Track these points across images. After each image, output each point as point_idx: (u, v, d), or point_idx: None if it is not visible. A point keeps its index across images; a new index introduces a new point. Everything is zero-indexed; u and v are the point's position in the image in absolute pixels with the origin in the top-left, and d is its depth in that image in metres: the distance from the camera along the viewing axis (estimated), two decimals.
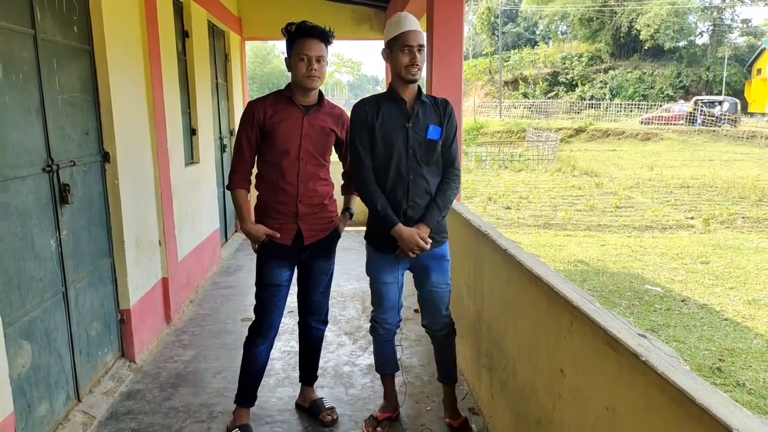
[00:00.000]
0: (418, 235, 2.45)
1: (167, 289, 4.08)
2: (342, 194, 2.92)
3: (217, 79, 6.28)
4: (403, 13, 2.46)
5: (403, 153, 2.48)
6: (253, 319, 2.76)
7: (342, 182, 2.93)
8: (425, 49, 2.46)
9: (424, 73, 2.66)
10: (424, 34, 2.48)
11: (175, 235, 4.31)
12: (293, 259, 2.73)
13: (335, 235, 2.81)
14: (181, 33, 4.94)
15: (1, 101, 2.30)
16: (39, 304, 2.56)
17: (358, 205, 2.86)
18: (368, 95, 2.69)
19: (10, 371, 2.23)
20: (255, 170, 2.73)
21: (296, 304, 2.94)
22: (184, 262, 4.60)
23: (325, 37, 2.53)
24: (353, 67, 38.42)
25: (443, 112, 2.53)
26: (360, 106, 2.54)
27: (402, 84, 2.49)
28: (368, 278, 2.73)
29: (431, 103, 2.54)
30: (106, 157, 3.26)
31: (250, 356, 2.75)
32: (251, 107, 2.62)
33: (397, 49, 2.42)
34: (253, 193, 2.74)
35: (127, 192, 3.42)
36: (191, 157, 5.07)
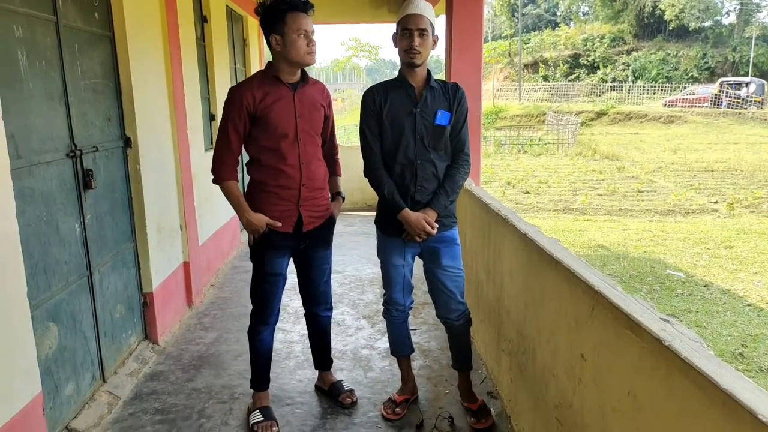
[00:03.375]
0: (424, 219, 2.46)
1: (188, 273, 4.14)
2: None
3: (235, 64, 6.29)
4: None
5: (411, 138, 2.49)
6: (252, 307, 2.73)
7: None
8: (429, 33, 2.43)
9: (441, 57, 2.64)
10: (430, 19, 2.43)
11: (196, 220, 4.36)
12: (292, 247, 2.67)
13: (331, 222, 2.75)
14: (200, 18, 4.94)
15: (25, 88, 2.33)
16: (64, 287, 2.61)
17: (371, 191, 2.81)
18: (380, 81, 2.68)
19: (37, 352, 2.29)
20: (246, 157, 2.63)
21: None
22: (205, 247, 4.66)
23: (311, 9, 2.45)
24: (371, 51, 38.20)
25: (453, 96, 2.52)
26: (368, 93, 2.56)
27: (408, 69, 2.48)
28: None
29: (441, 88, 2.53)
30: (127, 142, 3.30)
31: (256, 343, 2.74)
32: (237, 93, 2.45)
33: (399, 32, 2.44)
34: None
35: (148, 177, 3.46)
36: (211, 143, 5.11)
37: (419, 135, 2.48)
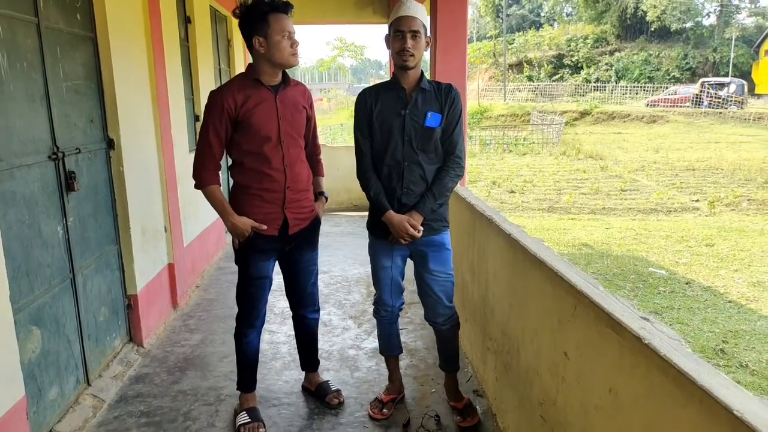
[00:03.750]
0: (407, 222, 2.45)
1: (173, 274, 4.12)
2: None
3: (220, 64, 6.26)
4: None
5: (399, 140, 2.48)
6: (238, 310, 2.72)
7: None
8: (422, 35, 2.42)
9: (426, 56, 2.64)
10: (422, 20, 2.42)
11: (180, 221, 4.33)
12: (278, 250, 2.66)
13: (316, 224, 2.74)
14: (183, 19, 4.92)
15: (5, 90, 2.31)
16: (47, 290, 2.59)
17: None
18: (375, 82, 2.68)
19: (20, 356, 2.27)
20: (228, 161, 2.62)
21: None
22: (190, 248, 4.63)
23: (292, 10, 2.44)
24: (356, 51, 38.23)
25: (445, 98, 2.49)
26: (361, 95, 2.57)
27: (400, 71, 2.48)
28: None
29: (434, 90, 2.51)
30: (110, 144, 3.28)
31: (243, 346, 2.73)
32: (218, 97, 2.42)
33: (391, 34, 2.43)
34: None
35: (132, 179, 3.44)
36: (195, 144, 5.07)
37: (407, 137, 2.47)
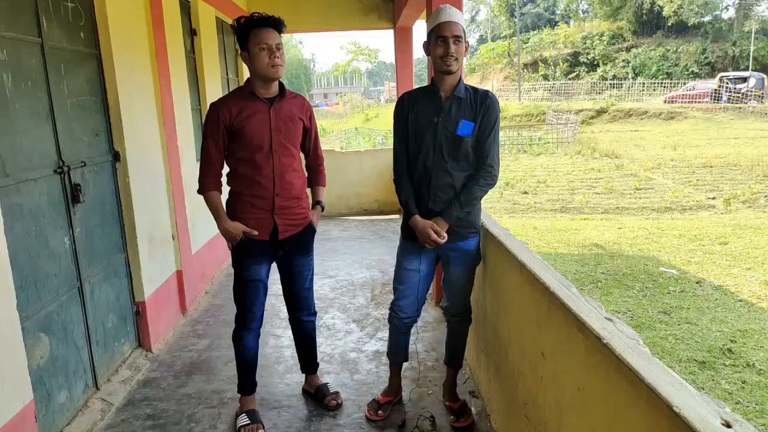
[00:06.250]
0: (431, 228, 2.49)
1: (182, 281, 4.23)
2: (309, 186, 2.88)
3: (228, 74, 6.40)
4: (444, 6, 2.47)
5: (431, 147, 2.51)
6: (236, 312, 2.81)
7: (306, 175, 2.88)
8: (463, 39, 2.44)
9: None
10: (462, 25, 2.44)
11: (188, 229, 4.45)
12: (270, 255, 2.75)
13: (310, 230, 2.82)
14: (189, 31, 5.04)
15: (11, 108, 2.43)
16: (55, 298, 2.70)
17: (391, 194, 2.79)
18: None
19: (29, 362, 2.38)
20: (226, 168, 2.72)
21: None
22: (199, 255, 4.75)
23: (278, 25, 2.52)
24: (370, 55, 38.42)
25: (480, 106, 2.48)
26: (400, 101, 2.64)
27: (440, 76, 2.50)
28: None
29: (470, 97, 2.51)
30: (116, 156, 3.39)
31: (240, 348, 2.83)
32: (214, 109, 2.57)
33: (432, 40, 2.46)
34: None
35: (138, 189, 3.55)
36: None
37: (438, 144, 2.50)
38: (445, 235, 2.51)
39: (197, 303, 4.56)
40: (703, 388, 3.88)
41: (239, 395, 2.92)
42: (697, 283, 6.15)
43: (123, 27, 3.46)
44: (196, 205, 4.70)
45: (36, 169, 2.59)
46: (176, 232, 4.18)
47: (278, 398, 3.09)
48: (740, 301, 5.60)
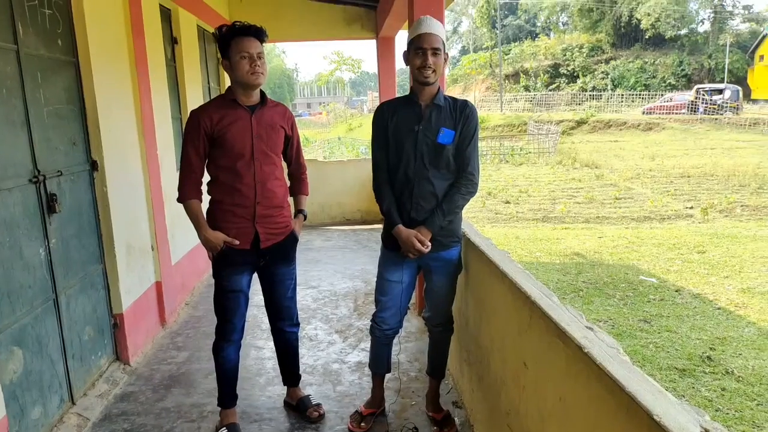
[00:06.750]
0: (415, 237, 2.48)
1: (161, 292, 4.17)
2: (291, 195, 2.86)
3: (209, 83, 6.36)
4: (424, 17, 2.47)
5: (412, 156, 2.51)
6: (216, 323, 2.77)
7: (289, 184, 2.88)
8: (442, 51, 2.45)
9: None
10: (441, 37, 2.45)
11: (168, 240, 4.39)
12: (252, 264, 2.72)
13: (292, 239, 2.80)
14: (170, 39, 5.01)
15: None
16: (29, 311, 2.64)
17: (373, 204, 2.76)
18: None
19: (1, 377, 2.32)
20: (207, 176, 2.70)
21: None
22: (179, 266, 4.68)
23: (260, 34, 2.52)
24: (353, 65, 38.53)
25: (459, 114, 2.50)
26: (379, 109, 2.62)
27: (418, 86, 2.51)
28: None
29: (449, 106, 2.52)
30: (94, 165, 3.34)
31: (220, 360, 2.78)
32: (195, 117, 2.55)
33: (411, 51, 2.46)
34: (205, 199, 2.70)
35: (116, 199, 3.50)
36: None
37: (419, 153, 2.49)
38: (429, 244, 2.50)
39: (177, 314, 4.49)
40: (684, 396, 3.92)
41: (219, 408, 2.87)
42: (676, 291, 6.22)
43: (101, 34, 3.42)
44: (176, 215, 4.64)
45: (10, 179, 2.54)
46: (155, 242, 4.12)
47: (259, 411, 3.04)
48: (719, 309, 5.67)
